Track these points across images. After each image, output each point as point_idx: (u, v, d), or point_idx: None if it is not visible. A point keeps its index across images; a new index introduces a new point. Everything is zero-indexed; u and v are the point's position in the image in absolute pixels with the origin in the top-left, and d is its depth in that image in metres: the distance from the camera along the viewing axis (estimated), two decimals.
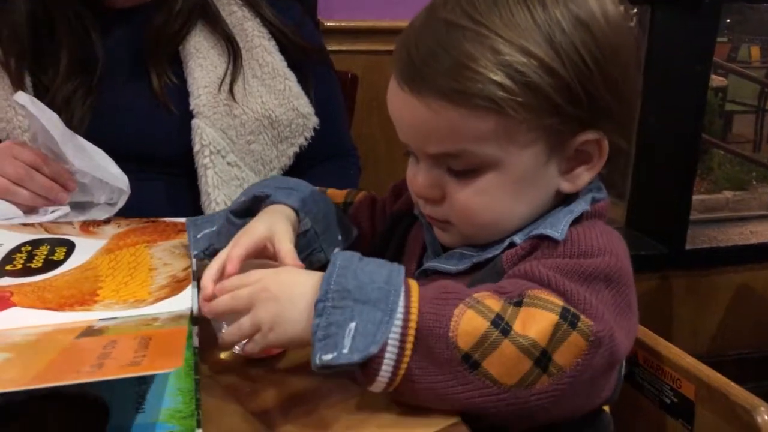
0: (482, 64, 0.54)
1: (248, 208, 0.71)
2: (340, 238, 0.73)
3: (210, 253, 0.68)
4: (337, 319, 0.49)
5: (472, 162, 0.58)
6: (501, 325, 0.50)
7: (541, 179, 0.60)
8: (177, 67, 1.02)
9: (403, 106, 0.58)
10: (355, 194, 0.81)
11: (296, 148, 1.07)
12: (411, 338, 0.50)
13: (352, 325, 0.49)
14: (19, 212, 0.88)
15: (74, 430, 0.48)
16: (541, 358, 0.50)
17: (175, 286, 0.64)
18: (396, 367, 0.50)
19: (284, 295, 0.53)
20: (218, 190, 1.00)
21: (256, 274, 0.56)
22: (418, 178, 0.61)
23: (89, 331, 0.53)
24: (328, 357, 0.48)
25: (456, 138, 0.56)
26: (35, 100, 0.90)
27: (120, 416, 0.49)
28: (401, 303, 0.51)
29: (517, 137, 0.56)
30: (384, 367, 0.50)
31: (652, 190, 1.73)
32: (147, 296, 0.62)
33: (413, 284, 0.53)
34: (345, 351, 0.48)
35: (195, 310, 0.58)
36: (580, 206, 0.60)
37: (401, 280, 0.52)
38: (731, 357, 1.76)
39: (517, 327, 0.50)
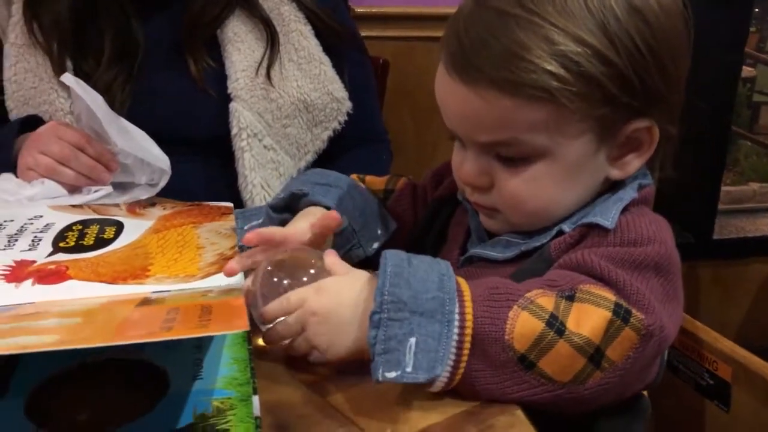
0: (536, 53, 0.53)
1: (287, 204, 0.72)
2: (379, 232, 0.73)
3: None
4: (395, 332, 0.49)
5: (522, 150, 0.57)
6: (555, 325, 0.51)
7: (591, 167, 0.59)
8: (215, 51, 1.04)
9: (452, 95, 0.58)
10: (395, 181, 0.81)
11: (330, 132, 1.09)
12: (467, 343, 0.50)
13: (412, 340, 0.49)
14: (64, 191, 0.90)
15: (136, 394, 0.50)
16: (595, 354, 0.51)
17: (223, 264, 0.65)
18: (453, 370, 0.51)
19: (332, 315, 0.53)
20: (255, 173, 1.02)
21: (296, 296, 0.55)
22: (465, 165, 0.61)
23: (147, 302, 0.55)
24: (391, 375, 0.49)
25: (507, 127, 0.56)
26: (80, 81, 0.92)
27: (180, 383, 0.50)
28: (456, 310, 0.51)
29: (569, 126, 0.56)
30: (443, 372, 0.50)
31: (680, 179, 1.73)
32: (197, 272, 0.64)
33: (464, 285, 0.53)
34: (408, 369, 0.49)
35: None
36: (628, 194, 0.60)
37: (453, 284, 0.52)
38: (757, 347, 1.75)
39: (570, 325, 0.51)
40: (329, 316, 0.53)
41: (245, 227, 0.72)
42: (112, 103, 0.96)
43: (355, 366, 0.53)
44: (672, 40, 0.57)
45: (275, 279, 0.58)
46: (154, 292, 0.59)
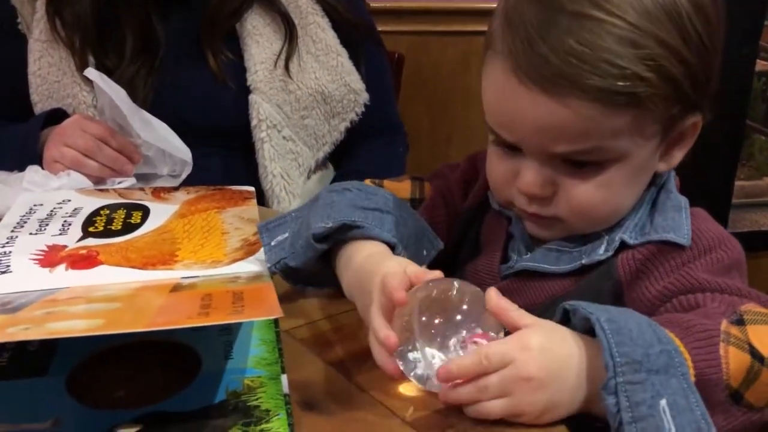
0: (626, 60, 0.52)
1: (332, 234, 0.60)
2: (425, 253, 0.66)
3: (281, 268, 0.62)
4: (642, 397, 0.45)
5: (599, 156, 0.56)
6: (757, 354, 0.49)
7: (651, 165, 0.59)
8: (234, 44, 1.05)
9: (527, 105, 0.54)
10: (420, 188, 0.75)
11: (347, 124, 1.10)
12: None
13: (663, 402, 0.45)
14: (89, 183, 0.92)
15: (170, 373, 0.51)
16: None
17: (248, 249, 0.67)
18: None
19: (554, 382, 0.48)
20: (275, 163, 1.04)
21: (497, 355, 0.48)
22: (526, 176, 0.58)
23: (179, 287, 0.57)
24: None
25: (592, 135, 0.54)
26: (103, 75, 0.94)
27: (212, 364, 0.52)
28: (683, 361, 0.47)
29: (646, 128, 0.55)
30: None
31: (695, 172, 1.73)
32: (223, 257, 0.65)
33: (669, 331, 0.49)
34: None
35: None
36: (679, 197, 0.61)
37: (665, 331, 0.48)
38: None
39: (761, 349, 0.50)
40: (547, 381, 0.48)
41: (272, 243, 0.64)
42: (134, 97, 0.98)
43: None
44: (720, 35, 0.57)
45: (424, 318, 0.50)
46: (183, 277, 0.61)
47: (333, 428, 0.49)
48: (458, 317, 0.50)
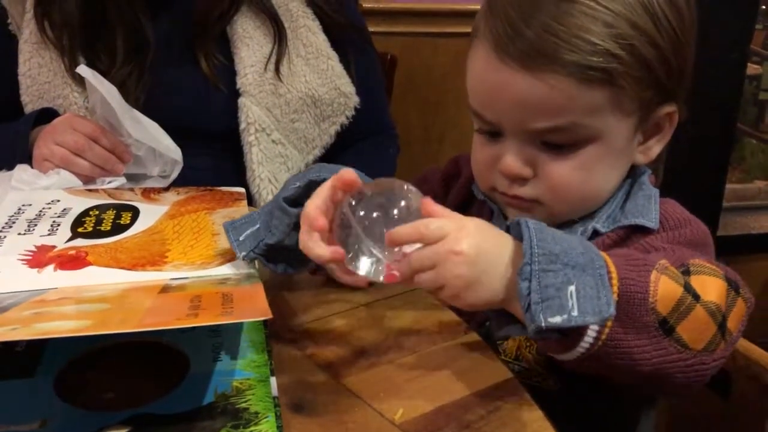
0: (599, 37, 0.55)
1: (304, 194, 0.61)
2: None
3: (261, 251, 0.61)
4: (552, 281, 0.47)
5: (575, 136, 0.59)
6: (692, 290, 0.51)
7: (629, 152, 0.62)
8: (224, 46, 1.05)
9: (507, 82, 0.58)
10: None
11: (338, 127, 1.10)
12: (614, 303, 0.49)
13: (572, 288, 0.47)
14: (79, 182, 0.92)
15: (158, 375, 0.51)
16: (723, 322, 0.52)
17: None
18: (599, 332, 0.50)
19: (480, 259, 0.50)
20: (262, 167, 1.04)
21: (436, 226, 0.50)
22: (507, 157, 0.61)
23: (168, 289, 0.56)
24: (556, 319, 0.46)
25: (568, 111, 0.57)
26: (95, 73, 0.94)
27: (201, 365, 0.52)
28: (606, 268, 0.49)
29: (621, 110, 0.58)
30: (589, 332, 0.49)
31: (686, 175, 1.74)
32: (213, 259, 0.65)
33: (603, 252, 0.51)
34: (575, 313, 0.47)
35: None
36: (651, 188, 0.64)
37: (594, 246, 0.51)
38: (761, 344, 1.77)
39: (700, 292, 0.51)
40: (477, 259, 0.49)
41: (240, 238, 0.63)
42: (126, 99, 0.97)
43: (364, 349, 0.54)
44: (691, 26, 0.60)
45: (362, 212, 0.52)
46: (172, 279, 0.61)
47: (322, 431, 0.49)
48: (395, 212, 0.52)
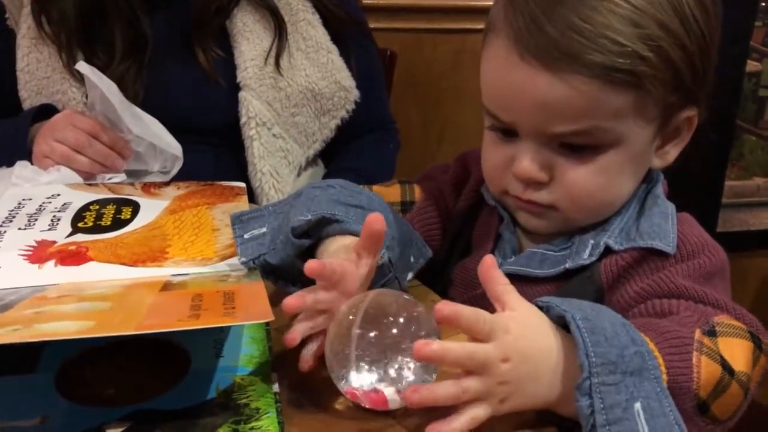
0: (627, 37, 0.52)
1: (312, 227, 0.57)
2: (412, 260, 0.63)
3: (261, 264, 0.58)
4: (616, 399, 0.43)
5: (597, 139, 0.56)
6: (727, 366, 0.49)
7: (648, 157, 0.59)
8: (224, 40, 1.05)
9: (526, 82, 0.54)
10: (410, 191, 0.74)
11: (338, 121, 1.10)
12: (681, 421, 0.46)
13: (638, 405, 0.44)
14: (79, 178, 0.91)
15: (159, 371, 0.51)
16: (749, 388, 0.50)
17: None
18: None
19: (528, 366, 0.45)
20: (264, 161, 1.03)
21: (481, 356, 0.44)
22: (523, 160, 0.57)
23: (169, 286, 0.56)
24: None
25: (591, 115, 0.54)
26: (95, 69, 0.94)
27: (203, 361, 0.52)
28: (656, 364, 0.46)
29: (645, 113, 0.55)
30: None
31: (684, 173, 1.74)
32: (213, 255, 0.65)
33: (643, 334, 0.48)
34: None
35: None
36: (667, 204, 0.61)
37: (639, 334, 0.47)
38: None
39: (731, 361, 0.49)
40: (524, 362, 0.45)
41: (246, 236, 0.61)
42: (125, 95, 0.97)
43: None
44: (717, 26, 0.58)
45: (373, 337, 0.47)
46: (173, 275, 0.61)
47: (323, 427, 0.49)
48: (395, 330, 0.46)
